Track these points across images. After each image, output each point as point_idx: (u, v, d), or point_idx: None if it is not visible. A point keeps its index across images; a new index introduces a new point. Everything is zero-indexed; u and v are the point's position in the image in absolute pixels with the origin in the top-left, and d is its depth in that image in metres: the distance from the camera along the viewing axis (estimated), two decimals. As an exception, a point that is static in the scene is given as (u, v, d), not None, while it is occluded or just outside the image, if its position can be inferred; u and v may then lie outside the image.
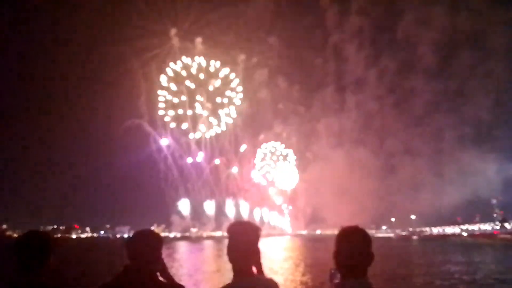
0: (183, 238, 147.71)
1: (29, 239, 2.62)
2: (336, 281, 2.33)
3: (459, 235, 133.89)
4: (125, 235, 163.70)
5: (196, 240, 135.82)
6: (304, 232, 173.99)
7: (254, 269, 2.47)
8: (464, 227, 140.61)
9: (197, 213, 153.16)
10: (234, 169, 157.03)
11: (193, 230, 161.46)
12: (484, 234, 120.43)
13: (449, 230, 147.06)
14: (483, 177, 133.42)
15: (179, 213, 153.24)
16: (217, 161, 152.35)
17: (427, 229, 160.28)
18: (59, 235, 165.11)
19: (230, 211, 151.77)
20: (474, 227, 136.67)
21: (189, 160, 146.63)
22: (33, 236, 2.64)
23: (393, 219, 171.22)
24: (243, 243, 2.41)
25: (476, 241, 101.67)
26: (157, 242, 2.67)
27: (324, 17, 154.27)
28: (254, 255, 2.45)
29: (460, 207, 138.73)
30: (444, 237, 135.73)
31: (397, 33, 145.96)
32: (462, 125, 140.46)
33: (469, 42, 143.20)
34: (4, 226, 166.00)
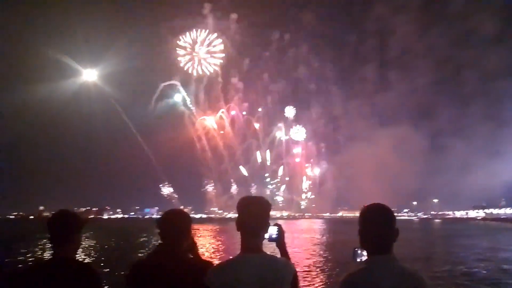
0: (208, 219, 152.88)
1: (58, 217, 2.78)
2: (360, 259, 2.38)
3: (483, 218, 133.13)
4: (154, 216, 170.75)
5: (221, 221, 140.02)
6: (326, 214, 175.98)
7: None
8: (489, 211, 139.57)
9: (226, 194, 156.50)
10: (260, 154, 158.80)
11: (217, 211, 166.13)
12: (508, 219, 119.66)
13: (473, 214, 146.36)
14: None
15: (207, 195, 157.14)
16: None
17: (450, 212, 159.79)
18: (92, 216, 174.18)
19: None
20: (500, 211, 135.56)
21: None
22: (62, 215, 2.79)
23: (415, 202, 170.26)
24: (252, 217, 2.36)
25: (501, 225, 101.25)
26: (186, 221, 2.76)
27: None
28: (263, 231, 2.40)
29: (486, 191, 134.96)
30: (467, 220, 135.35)
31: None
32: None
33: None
34: (41, 208, 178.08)
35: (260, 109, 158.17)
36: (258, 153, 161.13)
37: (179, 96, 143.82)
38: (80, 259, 2.75)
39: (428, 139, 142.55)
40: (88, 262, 2.80)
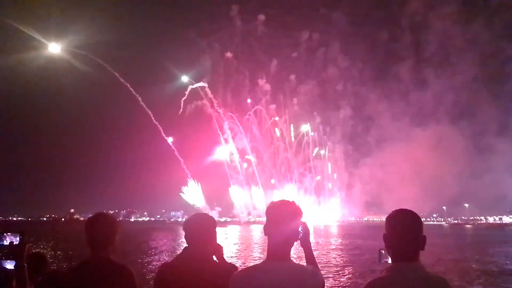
0: (232, 222, 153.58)
1: (98, 219, 2.84)
2: (384, 260, 2.34)
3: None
4: (179, 219, 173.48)
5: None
6: (352, 219, 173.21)
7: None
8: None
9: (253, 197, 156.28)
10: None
11: (242, 215, 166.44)
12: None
13: (507, 219, 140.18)
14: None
15: (233, 197, 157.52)
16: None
17: (482, 218, 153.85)
18: (120, 218, 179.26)
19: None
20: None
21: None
22: (101, 217, 2.85)
23: (444, 207, 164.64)
24: (281, 223, 2.26)
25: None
26: (211, 225, 2.79)
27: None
28: (291, 238, 2.30)
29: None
30: (501, 226, 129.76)
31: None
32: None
33: None
34: (72, 210, 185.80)
35: (287, 111, 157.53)
36: (284, 155, 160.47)
37: (207, 98, 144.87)
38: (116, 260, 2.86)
39: (468, 139, 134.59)
40: (124, 262, 2.85)
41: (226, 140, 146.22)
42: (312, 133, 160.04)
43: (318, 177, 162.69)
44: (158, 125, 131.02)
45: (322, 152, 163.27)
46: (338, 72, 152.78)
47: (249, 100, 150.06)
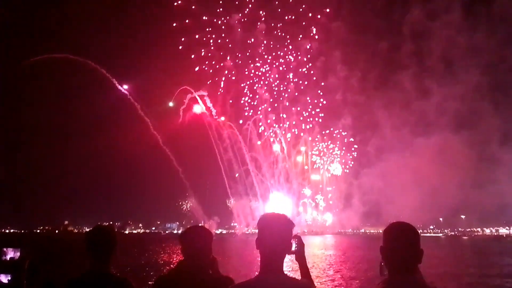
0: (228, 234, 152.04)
1: (100, 232, 2.87)
2: (386, 273, 2.35)
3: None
4: (174, 231, 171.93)
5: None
6: (349, 230, 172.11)
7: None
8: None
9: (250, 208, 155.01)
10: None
11: (239, 226, 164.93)
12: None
13: (504, 231, 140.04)
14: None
15: (231, 209, 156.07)
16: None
17: (479, 229, 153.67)
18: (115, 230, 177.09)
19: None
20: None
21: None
22: (103, 230, 2.89)
23: (441, 219, 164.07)
24: (273, 236, 2.26)
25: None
26: (207, 237, 2.81)
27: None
28: (284, 251, 2.31)
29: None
30: (498, 238, 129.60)
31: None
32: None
33: None
34: (66, 222, 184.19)
35: (286, 121, 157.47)
36: (283, 165, 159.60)
37: (207, 107, 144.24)
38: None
39: (471, 149, 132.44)
40: (124, 276, 2.87)
41: (225, 149, 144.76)
42: (311, 152, 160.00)
43: (318, 184, 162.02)
44: (157, 134, 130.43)
45: (321, 161, 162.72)
46: (338, 81, 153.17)
47: (241, 121, 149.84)
